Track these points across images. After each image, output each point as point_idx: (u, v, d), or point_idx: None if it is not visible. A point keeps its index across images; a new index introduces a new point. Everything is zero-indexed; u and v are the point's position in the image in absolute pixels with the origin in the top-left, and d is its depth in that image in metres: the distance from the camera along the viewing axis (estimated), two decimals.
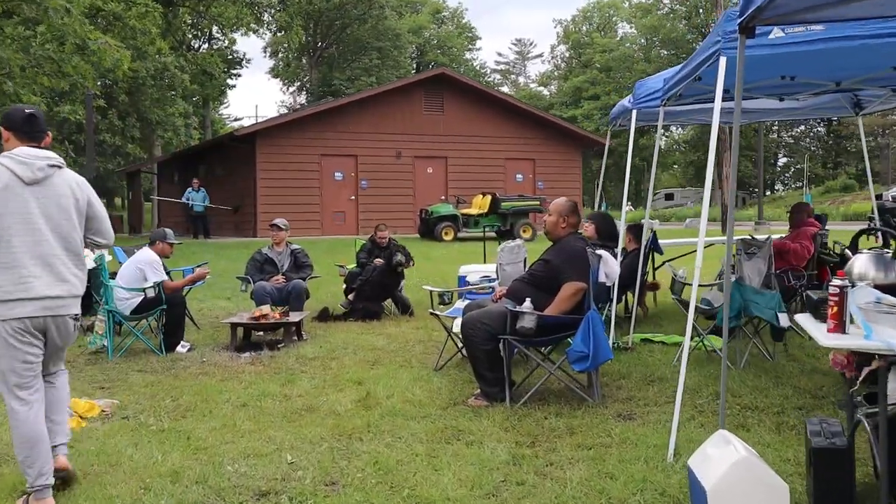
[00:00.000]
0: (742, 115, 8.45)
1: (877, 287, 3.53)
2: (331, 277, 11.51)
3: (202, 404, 5.82)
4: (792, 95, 7.25)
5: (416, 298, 10.69)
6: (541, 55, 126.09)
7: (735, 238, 11.13)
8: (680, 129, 62.93)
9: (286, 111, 51.83)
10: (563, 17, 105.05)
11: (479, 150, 29.07)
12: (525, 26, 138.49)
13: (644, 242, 8.38)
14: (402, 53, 60.37)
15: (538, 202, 25.32)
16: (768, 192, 57.68)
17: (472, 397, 5.74)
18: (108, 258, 9.55)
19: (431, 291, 7.83)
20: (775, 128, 61.49)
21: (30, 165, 3.87)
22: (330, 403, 5.76)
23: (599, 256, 5.91)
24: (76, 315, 4.03)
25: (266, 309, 8.24)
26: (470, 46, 72.72)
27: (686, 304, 6.98)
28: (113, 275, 8.33)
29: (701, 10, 57.07)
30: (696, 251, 11.17)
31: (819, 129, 62.25)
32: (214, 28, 41.67)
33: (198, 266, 9.36)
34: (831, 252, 8.96)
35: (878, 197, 13.63)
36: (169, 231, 8.57)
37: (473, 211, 24.94)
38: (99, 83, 24.21)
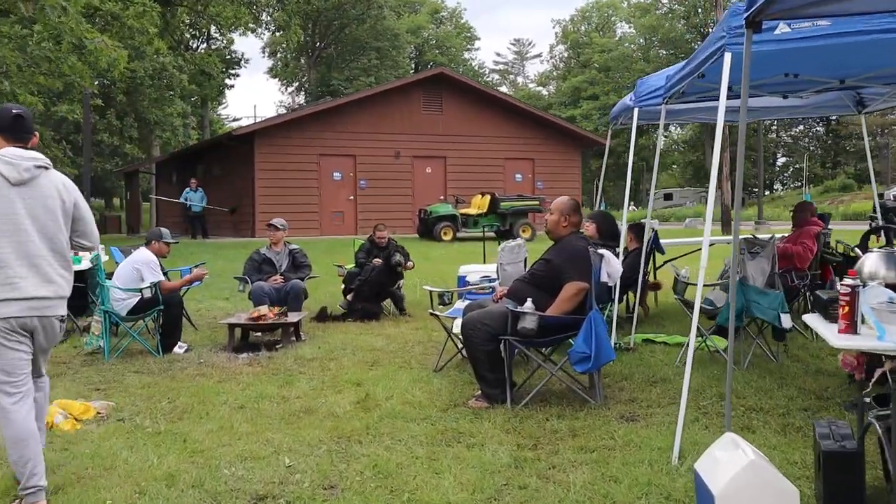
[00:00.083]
0: (751, 112, 8.42)
1: (888, 286, 3.46)
2: (329, 278, 11.43)
3: (199, 406, 5.74)
4: (795, 93, 7.18)
5: (415, 299, 10.63)
6: (539, 55, 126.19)
7: (725, 238, 11.11)
8: (679, 128, 62.92)
9: (285, 111, 51.70)
10: (561, 17, 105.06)
11: (479, 149, 28.99)
12: (524, 26, 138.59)
13: (646, 242, 8.31)
14: (401, 53, 60.30)
15: (537, 202, 25.24)
16: (767, 192, 57.64)
17: (473, 399, 5.66)
18: (105, 258, 9.47)
19: (431, 292, 7.75)
20: (774, 127, 61.48)
21: (16, 166, 3.82)
22: (328, 405, 5.69)
23: (601, 256, 5.83)
24: (62, 316, 3.98)
25: (264, 309, 8.16)
26: (468, 46, 72.66)
27: (689, 305, 6.93)
28: (109, 275, 8.24)
29: (700, 10, 56.98)
30: (697, 251, 11.13)
31: (818, 128, 62.23)
32: (213, 28, 41.59)
33: (195, 266, 9.29)
34: (834, 251, 8.89)
35: (880, 196, 13.54)
36: (165, 230, 8.49)
37: (472, 211, 24.86)
38: (97, 83, 24.11)
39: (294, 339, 8.19)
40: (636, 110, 7.55)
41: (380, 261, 9.84)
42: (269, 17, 43.33)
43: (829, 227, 9.05)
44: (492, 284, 8.01)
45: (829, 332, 3.38)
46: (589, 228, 8.21)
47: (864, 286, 3.30)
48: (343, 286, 10.26)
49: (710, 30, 51.17)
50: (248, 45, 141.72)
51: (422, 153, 28.57)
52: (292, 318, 8.26)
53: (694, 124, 53.11)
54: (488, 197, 24.87)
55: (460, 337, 6.18)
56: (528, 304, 5.49)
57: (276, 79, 65.70)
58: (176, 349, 7.77)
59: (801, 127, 63.25)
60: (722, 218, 27.54)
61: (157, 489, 4.07)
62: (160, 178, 36.06)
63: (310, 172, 27.11)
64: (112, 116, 33.53)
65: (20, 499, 3.79)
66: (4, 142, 3.92)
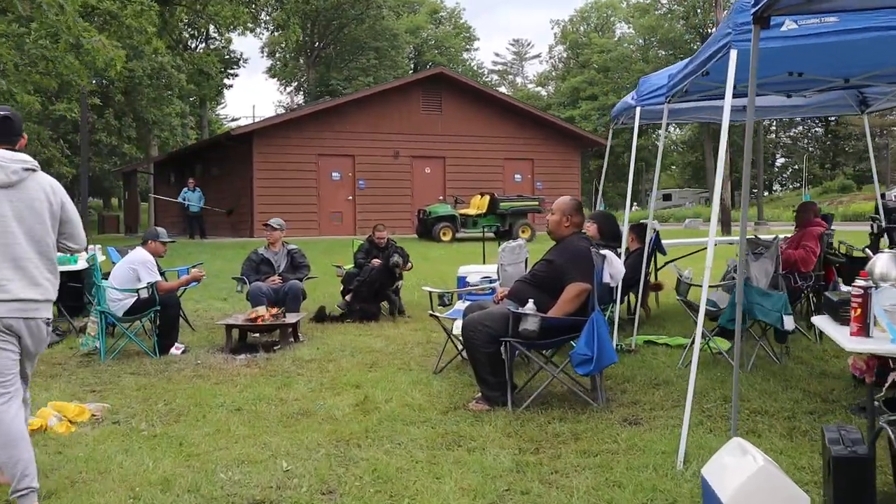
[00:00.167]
0: (745, 112, 8.34)
1: None
2: (328, 278, 11.35)
3: (195, 408, 5.66)
4: (799, 92, 7.10)
5: (414, 300, 10.56)
6: (538, 56, 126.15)
7: (732, 238, 11.05)
8: (678, 129, 62.86)
9: (283, 111, 51.61)
10: (560, 17, 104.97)
11: (478, 149, 28.92)
12: (523, 26, 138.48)
13: (647, 242, 8.24)
14: (400, 53, 60.19)
15: (537, 202, 25.18)
16: (766, 193, 57.57)
17: (473, 401, 5.59)
18: (102, 258, 9.38)
19: (431, 292, 7.67)
20: (773, 128, 61.43)
21: (4, 168, 3.77)
22: (327, 408, 5.61)
23: (604, 256, 5.75)
24: (48, 320, 3.91)
25: (262, 310, 8.08)
26: (467, 47, 72.56)
27: (691, 306, 6.85)
28: (106, 275, 8.16)
29: (699, 10, 56.91)
30: (698, 251, 11.05)
31: (817, 129, 62.19)
32: (211, 27, 41.49)
33: (193, 267, 9.22)
34: (837, 252, 8.81)
35: (882, 196, 13.46)
36: (161, 230, 8.42)
37: (472, 211, 24.78)
38: (94, 82, 24.01)
39: (292, 340, 8.11)
40: (638, 109, 7.47)
41: (379, 261, 9.76)
42: (267, 17, 43.23)
43: (832, 227, 8.97)
44: (492, 285, 7.93)
45: (841, 335, 3.30)
46: (590, 229, 8.13)
47: (876, 288, 3.23)
48: (342, 287, 10.18)
49: (710, 30, 51.04)
50: (247, 45, 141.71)
51: (421, 153, 28.50)
52: (290, 318, 8.18)
53: (693, 125, 53.20)
54: (487, 197, 24.79)
55: (460, 338, 6.11)
56: (530, 306, 5.42)
57: (275, 79, 65.64)
58: (173, 350, 7.69)
59: (800, 128, 63.25)
60: (721, 218, 27.48)
61: (152, 494, 3.99)
62: (158, 177, 35.98)
63: (308, 172, 27.03)
64: (110, 116, 33.45)
65: (11, 502, 3.71)
66: None
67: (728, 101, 4.22)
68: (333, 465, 4.39)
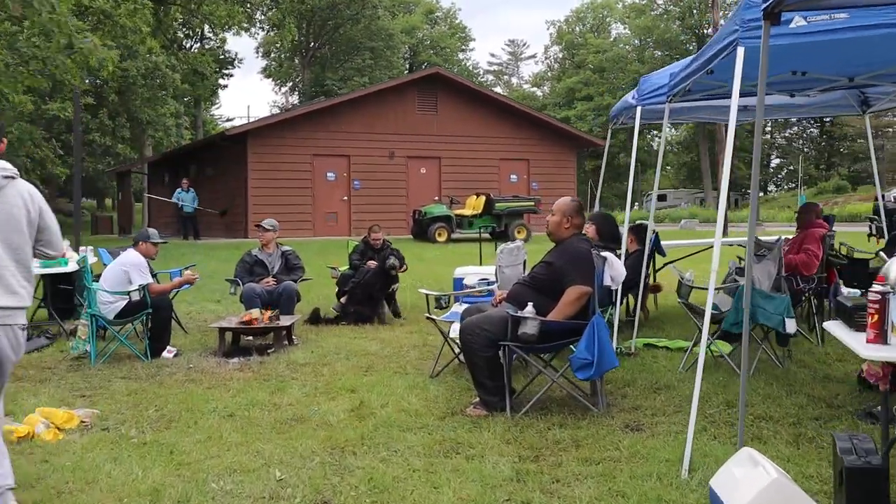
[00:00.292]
0: (749, 111, 8.24)
1: None
2: (323, 280, 11.22)
3: (187, 414, 5.53)
4: (802, 91, 7.00)
5: (410, 301, 10.44)
6: (534, 56, 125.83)
7: (737, 239, 10.95)
8: (673, 129, 62.79)
9: (278, 111, 51.44)
10: (556, 17, 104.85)
11: (473, 150, 28.79)
12: (518, 27, 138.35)
13: (647, 244, 8.13)
14: (395, 54, 60.04)
15: (533, 203, 25.09)
16: (762, 194, 57.58)
17: (471, 406, 5.47)
18: (93, 259, 9.25)
19: (428, 295, 7.54)
20: (768, 129, 61.36)
21: None
22: (322, 413, 5.48)
23: (604, 258, 5.64)
24: (24, 325, 3.79)
25: (256, 312, 7.95)
26: (463, 47, 72.44)
27: (693, 309, 6.74)
28: (97, 277, 8.03)
29: (695, 11, 56.88)
30: (698, 252, 10.93)
31: (812, 129, 62.20)
32: (206, 27, 41.31)
33: (186, 268, 9.09)
34: (838, 254, 8.72)
35: (878, 198, 13.39)
36: (153, 231, 8.27)
37: (467, 212, 24.66)
38: (87, 81, 23.81)
39: (286, 343, 7.99)
40: (639, 109, 7.36)
41: (374, 263, 9.63)
42: (262, 17, 43.05)
43: (833, 229, 8.88)
44: (490, 288, 7.81)
45: (856, 342, 3.19)
46: (588, 230, 8.00)
47: (894, 293, 3.11)
48: (337, 289, 10.05)
49: (706, 31, 50.92)
50: (242, 45, 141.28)
51: (416, 153, 28.36)
52: (284, 321, 8.05)
53: (688, 125, 53.17)
54: (483, 198, 24.69)
55: (457, 342, 5.99)
56: (529, 309, 5.30)
57: (270, 79, 65.46)
58: (165, 354, 7.56)
59: (795, 128, 63.25)
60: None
61: None
62: (152, 178, 35.78)
63: (303, 173, 26.87)
64: (104, 116, 33.25)
65: None
66: None
67: (735, 100, 4.10)
68: (328, 474, 4.26)
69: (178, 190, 26.29)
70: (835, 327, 3.60)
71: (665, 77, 6.85)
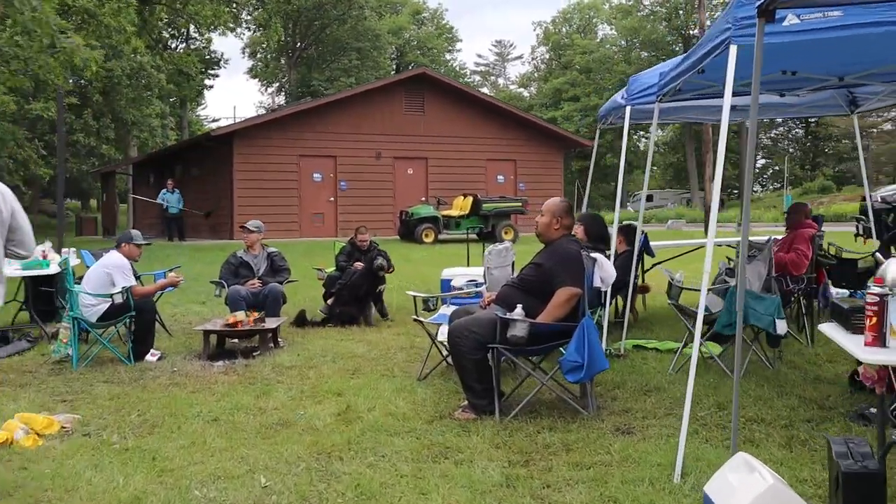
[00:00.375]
0: (738, 111, 8.21)
1: None
2: (309, 281, 11.11)
3: (170, 419, 5.43)
4: (792, 91, 6.96)
5: (397, 303, 10.35)
6: (520, 57, 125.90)
7: (729, 239, 10.90)
8: (659, 130, 62.89)
9: (264, 112, 51.18)
10: (543, 18, 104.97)
11: (460, 150, 28.74)
12: (505, 28, 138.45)
13: (637, 244, 8.07)
14: (382, 54, 59.89)
15: (520, 203, 25.07)
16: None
17: (459, 410, 5.39)
18: (76, 261, 9.13)
19: (415, 297, 7.46)
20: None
21: None
22: (308, 417, 5.39)
23: (594, 260, 5.58)
24: None
25: (241, 315, 7.85)
26: (450, 48, 72.35)
27: (683, 310, 6.69)
28: (79, 279, 7.90)
29: (681, 12, 57.02)
30: (686, 253, 10.89)
31: (797, 130, 62.46)
32: (192, 27, 41.09)
33: (170, 270, 8.96)
34: (827, 254, 8.70)
35: (864, 198, 13.43)
36: (136, 232, 8.15)
37: (454, 212, 24.60)
38: (71, 81, 23.62)
39: (272, 345, 7.88)
40: (628, 109, 7.30)
41: (361, 264, 9.54)
42: (248, 17, 42.85)
43: (822, 229, 8.86)
44: (479, 289, 7.73)
45: (854, 345, 3.13)
46: (577, 231, 7.94)
47: (893, 295, 3.06)
48: (323, 290, 9.96)
49: (692, 32, 50.95)
50: (228, 45, 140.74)
51: (403, 154, 28.28)
52: (270, 323, 7.94)
53: (674, 126, 53.28)
54: (470, 198, 24.64)
55: (445, 344, 5.91)
56: (518, 311, 5.23)
57: (256, 79, 65.18)
58: (148, 357, 7.45)
59: (781, 129, 63.47)
60: (704, 220, 27.44)
61: None
62: (137, 179, 35.53)
63: (289, 174, 26.74)
64: (88, 116, 33.01)
65: None
66: None
67: (727, 99, 4.05)
68: (314, 481, 4.18)
69: (164, 191, 26.11)
70: (831, 329, 3.54)
71: (655, 77, 6.79)
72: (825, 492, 3.67)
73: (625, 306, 8.12)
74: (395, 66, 63.10)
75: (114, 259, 7.70)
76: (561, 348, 5.37)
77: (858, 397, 5.46)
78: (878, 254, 7.17)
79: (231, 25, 35.20)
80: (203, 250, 20.40)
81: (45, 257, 8.79)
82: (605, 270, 5.58)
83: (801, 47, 4.63)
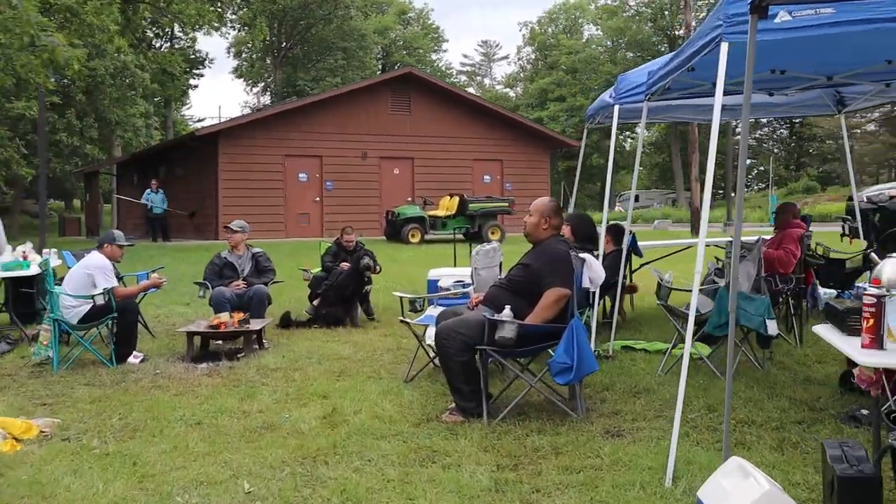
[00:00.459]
0: (727, 110, 8.17)
1: None
2: (294, 282, 11.01)
3: (152, 423, 5.32)
4: (781, 90, 6.93)
5: (384, 303, 10.27)
6: (506, 57, 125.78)
7: (719, 239, 10.88)
8: (645, 130, 63.02)
9: (250, 112, 50.94)
10: (529, 18, 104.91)
11: (447, 150, 28.68)
12: (491, 28, 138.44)
13: (625, 245, 8.02)
14: (368, 54, 59.72)
15: (506, 203, 25.03)
16: (733, 194, 57.93)
17: (447, 412, 5.31)
18: (56, 262, 8.99)
19: (402, 297, 7.38)
20: (738, 129, 61.87)
21: None
22: (293, 420, 5.30)
23: (583, 260, 5.52)
24: None
25: (225, 316, 7.74)
26: (436, 48, 72.27)
27: (673, 311, 6.64)
28: (60, 280, 7.77)
29: (666, 13, 57.16)
30: (673, 253, 10.84)
31: (782, 130, 62.74)
32: (176, 27, 40.82)
33: (153, 271, 8.85)
34: (815, 254, 8.68)
35: (849, 199, 13.46)
36: (119, 233, 8.03)
37: (441, 212, 24.53)
38: (54, 80, 23.34)
39: (257, 347, 7.78)
40: (616, 108, 7.24)
41: (347, 265, 9.45)
42: (233, 16, 42.61)
43: (810, 229, 8.83)
44: (466, 290, 7.66)
45: (850, 347, 3.07)
46: (563, 231, 7.87)
47: (890, 296, 3.00)
48: (309, 291, 9.86)
49: (677, 32, 51.00)
50: (213, 45, 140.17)
51: (389, 154, 28.18)
52: (255, 325, 7.85)
53: (659, 126, 53.41)
54: (457, 198, 24.57)
55: (432, 346, 5.83)
56: (507, 312, 5.16)
57: (242, 79, 64.89)
58: (131, 359, 7.33)
59: (766, 129, 63.75)
60: (691, 220, 27.49)
61: None
62: (121, 179, 35.27)
63: (275, 174, 26.60)
64: (72, 116, 32.69)
65: None
66: None
67: (719, 97, 3.99)
68: (299, 486, 4.09)
69: (148, 191, 25.90)
70: (826, 331, 3.48)
71: (643, 75, 6.74)
72: (819, 495, 3.62)
73: (613, 307, 8.06)
74: (381, 66, 62.96)
75: (95, 260, 7.58)
76: (550, 350, 5.30)
77: (849, 399, 5.42)
78: (873, 254, 7.14)
79: (216, 24, 34.87)
80: (187, 251, 20.23)
81: (25, 258, 8.66)
82: (593, 271, 5.53)
83: (792, 45, 4.58)
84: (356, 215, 24.61)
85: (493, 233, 23.68)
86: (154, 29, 41.75)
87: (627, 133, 55.44)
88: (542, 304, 5.22)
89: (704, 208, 4.02)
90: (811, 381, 6.04)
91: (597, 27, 66.21)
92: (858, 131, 52.96)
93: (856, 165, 48.96)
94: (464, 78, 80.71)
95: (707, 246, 10.73)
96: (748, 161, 68.07)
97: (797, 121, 53.67)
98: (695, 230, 26.00)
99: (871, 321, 2.99)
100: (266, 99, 61.67)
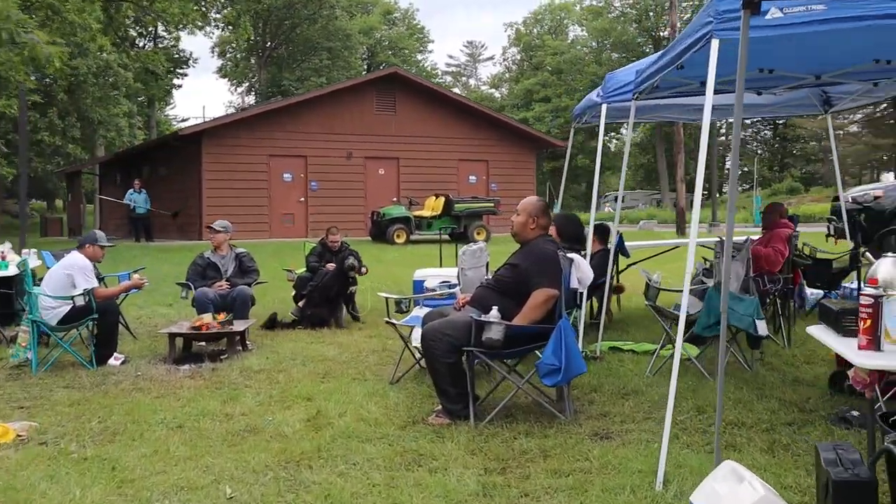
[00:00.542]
0: (715, 110, 8.12)
1: None
2: (278, 283, 10.90)
3: (132, 426, 5.21)
4: (769, 90, 6.89)
5: (370, 304, 10.18)
6: (492, 57, 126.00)
7: (708, 239, 10.83)
8: (631, 130, 63.09)
9: (234, 112, 50.66)
10: (514, 19, 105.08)
11: (432, 150, 28.61)
12: (477, 28, 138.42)
13: (613, 245, 7.97)
14: (353, 54, 59.55)
15: (492, 204, 24.99)
16: (717, 195, 58.15)
17: (433, 414, 5.23)
18: (36, 263, 8.84)
19: (388, 298, 7.29)
20: (723, 130, 62.07)
21: None
22: (276, 423, 5.21)
23: (571, 260, 5.45)
24: None
25: (208, 317, 7.63)
26: (421, 48, 72.17)
27: (661, 312, 6.59)
28: (40, 281, 7.64)
29: (651, 14, 57.32)
30: (661, 253, 10.81)
31: (766, 131, 63.03)
32: (160, 26, 40.54)
33: (134, 272, 8.72)
34: (802, 254, 8.65)
35: (835, 199, 13.50)
36: (100, 233, 7.90)
37: (426, 213, 24.46)
38: (34, 78, 23.11)
39: (240, 348, 7.67)
40: (604, 107, 7.18)
41: (333, 265, 9.35)
42: (217, 15, 42.32)
43: (797, 229, 8.81)
44: (452, 291, 7.58)
45: (847, 349, 3.01)
46: (550, 232, 7.81)
47: (887, 296, 2.94)
48: (294, 292, 9.75)
49: (662, 34, 51.13)
50: (197, 44, 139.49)
51: (374, 154, 28.08)
52: (238, 326, 7.74)
53: (644, 126, 53.51)
54: (442, 199, 24.50)
55: (419, 347, 5.75)
56: (494, 313, 5.08)
57: (226, 79, 64.51)
58: (111, 361, 7.21)
59: (750, 130, 64.04)
60: (676, 221, 27.54)
61: None
62: (104, 178, 35.00)
63: (259, 173, 26.44)
64: (53, 115, 32.41)
65: None
66: None
67: (709, 94, 3.93)
68: (282, 491, 4.00)
69: (131, 191, 25.67)
70: (820, 332, 3.42)
71: (631, 74, 6.68)
72: (811, 499, 3.57)
73: (600, 307, 8.00)
74: (366, 66, 62.81)
75: (75, 260, 7.45)
76: (537, 351, 5.23)
77: (838, 400, 5.39)
78: (868, 253, 7.13)
79: (199, 24, 34.63)
80: (170, 251, 20.05)
81: (3, 258, 8.51)
82: (581, 271, 5.45)
83: (781, 43, 4.53)
84: (341, 215, 24.49)
85: (478, 233, 23.63)
86: (137, 28, 41.46)
87: (613, 134, 55.53)
88: (529, 305, 5.15)
89: (695, 208, 3.96)
90: (800, 382, 6.00)
91: (582, 28, 66.31)
92: (841, 132, 53.30)
93: (840, 166, 49.42)
94: (449, 78, 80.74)
95: (698, 246, 10.74)
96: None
97: (781, 121, 53.93)
98: (680, 231, 26.05)
99: (869, 322, 2.94)
100: (251, 99, 61.39)
